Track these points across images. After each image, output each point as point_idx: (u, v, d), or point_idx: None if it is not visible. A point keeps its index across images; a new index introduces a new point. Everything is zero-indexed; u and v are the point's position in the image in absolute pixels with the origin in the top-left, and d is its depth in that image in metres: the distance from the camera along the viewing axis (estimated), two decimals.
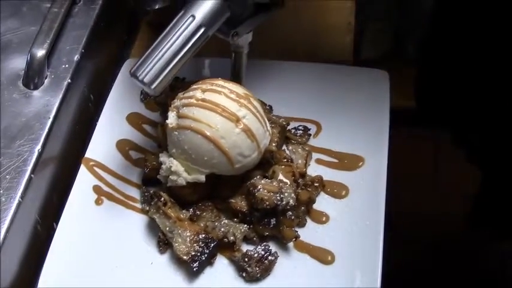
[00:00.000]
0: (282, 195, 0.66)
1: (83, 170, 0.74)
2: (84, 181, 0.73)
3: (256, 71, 0.79)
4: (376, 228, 0.67)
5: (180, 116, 0.65)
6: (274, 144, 0.70)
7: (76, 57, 0.77)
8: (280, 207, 0.66)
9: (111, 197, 0.73)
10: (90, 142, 0.76)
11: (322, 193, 0.72)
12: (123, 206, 0.72)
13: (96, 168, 0.75)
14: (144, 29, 0.90)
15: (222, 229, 0.67)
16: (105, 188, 0.73)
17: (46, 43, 0.73)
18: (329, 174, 0.73)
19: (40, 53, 0.73)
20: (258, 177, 0.68)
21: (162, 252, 0.68)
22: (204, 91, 0.65)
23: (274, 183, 0.67)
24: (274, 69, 0.81)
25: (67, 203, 0.71)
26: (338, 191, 0.72)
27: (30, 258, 0.68)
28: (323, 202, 0.71)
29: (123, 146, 0.76)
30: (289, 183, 0.68)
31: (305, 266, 0.67)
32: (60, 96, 0.74)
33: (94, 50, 0.80)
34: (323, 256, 0.67)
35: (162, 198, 0.67)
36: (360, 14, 0.91)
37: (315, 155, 0.75)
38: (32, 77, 0.73)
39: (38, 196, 0.69)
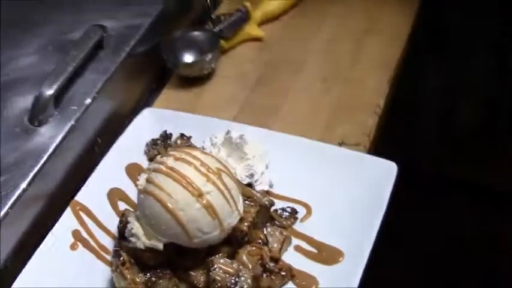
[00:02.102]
0: (237, 279, 0.64)
1: (67, 213, 0.75)
2: (65, 224, 0.74)
3: (263, 141, 0.77)
4: None
5: (147, 180, 0.64)
6: (246, 224, 0.67)
7: (87, 101, 0.78)
8: None
9: (86, 245, 0.73)
10: (84, 186, 0.77)
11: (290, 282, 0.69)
12: (94, 255, 0.73)
13: (81, 213, 0.75)
14: (174, 80, 0.91)
15: None
16: (84, 234, 0.74)
17: (56, 83, 0.75)
18: (304, 264, 0.70)
19: (47, 91, 0.75)
20: (220, 255, 0.66)
21: None
22: (176, 159, 0.65)
23: (234, 265, 0.65)
24: (280, 142, 0.79)
25: (42, 243, 0.72)
26: (307, 284, 0.68)
27: None
28: None
29: (114, 196, 0.77)
30: (250, 267, 0.65)
31: None
32: (61, 136, 0.75)
33: (109, 95, 0.82)
34: None
35: (122, 258, 0.67)
36: None
37: (296, 241, 0.72)
38: (37, 114, 0.75)
39: (12, 232, 0.71)
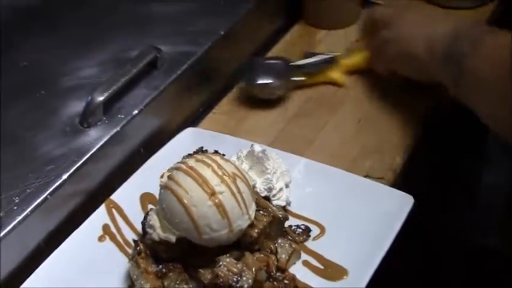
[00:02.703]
0: (239, 278, 0.67)
1: (101, 209, 0.81)
2: (98, 218, 0.81)
3: (288, 163, 0.82)
4: None
5: (169, 177, 0.70)
6: (256, 231, 0.72)
7: (134, 112, 0.86)
8: None
9: (113, 238, 0.79)
10: (121, 187, 0.83)
11: None
12: (118, 248, 0.78)
13: (113, 210, 0.82)
14: (220, 106, 0.98)
15: None
16: (113, 229, 0.80)
17: (106, 92, 0.83)
18: (309, 278, 0.73)
19: (98, 98, 0.83)
20: (228, 255, 0.70)
21: None
22: (197, 161, 0.70)
23: (238, 265, 0.69)
24: (303, 166, 0.83)
25: (75, 231, 0.79)
26: None
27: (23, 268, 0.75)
28: None
29: (145, 199, 0.83)
30: (253, 270, 0.69)
31: None
32: (105, 139, 0.83)
33: (156, 111, 0.89)
34: None
35: (139, 248, 0.72)
36: None
37: (305, 257, 0.75)
38: (87, 117, 0.83)
39: (48, 217, 0.78)
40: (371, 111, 0.94)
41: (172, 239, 0.70)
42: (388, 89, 0.97)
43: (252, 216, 0.71)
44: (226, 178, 0.69)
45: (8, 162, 0.79)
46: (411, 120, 0.91)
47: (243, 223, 0.70)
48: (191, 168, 0.69)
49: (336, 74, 0.99)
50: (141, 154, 0.89)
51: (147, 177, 0.85)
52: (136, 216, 0.81)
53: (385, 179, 0.83)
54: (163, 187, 0.70)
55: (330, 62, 0.99)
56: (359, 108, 0.95)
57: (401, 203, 0.77)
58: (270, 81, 0.96)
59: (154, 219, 0.71)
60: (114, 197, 0.83)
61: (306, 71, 0.98)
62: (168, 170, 0.72)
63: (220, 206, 0.67)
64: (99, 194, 0.83)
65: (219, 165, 0.69)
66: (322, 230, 0.77)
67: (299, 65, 0.99)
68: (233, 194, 0.68)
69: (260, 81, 0.96)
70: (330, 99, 0.97)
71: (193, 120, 0.96)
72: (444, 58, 0.82)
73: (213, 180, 0.68)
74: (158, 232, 0.70)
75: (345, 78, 0.99)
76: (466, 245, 1.40)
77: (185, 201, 0.67)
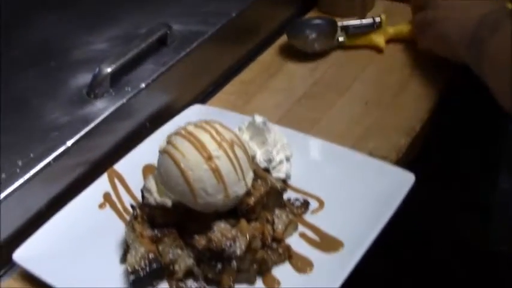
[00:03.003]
0: (232, 243, 0.67)
1: (103, 177, 0.82)
2: (99, 186, 0.81)
3: (292, 140, 0.82)
4: None
5: (167, 142, 0.71)
6: (253, 199, 0.72)
7: (141, 85, 0.87)
8: (227, 254, 0.67)
9: (113, 206, 0.80)
10: (124, 158, 0.84)
11: (287, 263, 0.71)
12: (117, 215, 0.79)
13: (115, 179, 0.83)
14: (230, 86, 0.98)
15: (171, 256, 0.70)
16: (113, 198, 0.81)
17: (114, 64, 0.85)
18: (304, 249, 0.72)
19: (106, 69, 0.84)
20: (223, 221, 0.70)
21: (121, 261, 0.73)
22: (195, 126, 0.71)
23: (232, 231, 0.69)
24: (306, 142, 0.83)
25: (76, 197, 0.80)
26: (302, 265, 0.71)
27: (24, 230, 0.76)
28: (284, 271, 0.71)
29: (148, 170, 0.83)
30: (247, 236, 0.69)
31: None
32: (111, 110, 0.84)
33: (164, 86, 0.90)
34: None
35: (135, 212, 0.73)
36: None
37: (302, 229, 0.75)
38: (94, 87, 0.84)
39: (51, 183, 0.79)
40: (379, 94, 0.94)
41: (168, 203, 0.70)
42: (398, 73, 0.97)
43: (249, 184, 0.71)
44: (224, 144, 0.69)
45: (13, 127, 0.81)
46: (419, 105, 0.91)
47: (239, 189, 0.70)
48: (189, 133, 0.70)
49: (378, 38, 1.00)
50: (148, 128, 0.89)
51: (151, 150, 0.84)
52: (137, 186, 0.81)
53: (388, 159, 0.82)
54: (162, 151, 0.71)
55: (375, 27, 1.00)
56: (367, 91, 0.95)
57: (401, 181, 0.76)
58: (313, 35, 1.00)
59: (151, 184, 0.71)
60: (117, 166, 0.84)
61: (350, 32, 1.01)
62: (168, 136, 0.72)
63: (216, 171, 0.68)
64: (103, 165, 0.84)
65: (217, 131, 0.70)
66: (321, 204, 0.77)
67: (344, 25, 1.01)
68: (230, 159, 0.68)
69: (304, 33, 1.00)
70: (337, 81, 0.97)
71: (202, 98, 0.97)
72: (470, 41, 0.84)
73: (211, 145, 0.68)
74: (155, 196, 0.71)
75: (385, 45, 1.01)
76: (479, 251, 1.38)
77: (181, 165, 0.68)
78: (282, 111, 0.92)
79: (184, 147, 0.69)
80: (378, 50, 1.01)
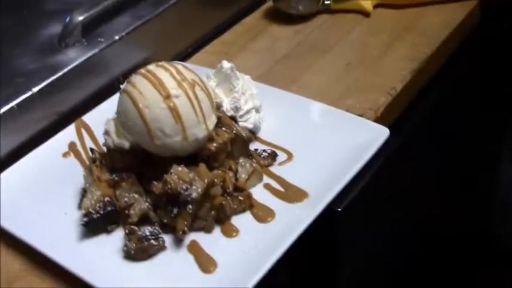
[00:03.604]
0: (188, 186, 0.65)
1: (70, 127, 0.80)
2: (65, 136, 0.79)
3: (263, 94, 0.79)
4: (263, 263, 0.61)
5: (127, 81, 0.68)
6: (215, 145, 0.69)
7: (115, 37, 0.85)
8: (182, 197, 0.64)
9: (77, 155, 0.78)
10: (94, 109, 0.82)
11: (248, 213, 0.68)
12: (81, 163, 0.77)
13: (82, 130, 0.80)
14: (210, 47, 0.96)
15: (126, 199, 0.67)
16: (79, 147, 0.79)
17: (86, 13, 0.82)
18: (267, 200, 0.69)
19: (77, 17, 0.82)
20: (182, 165, 0.67)
21: (78, 207, 0.70)
22: (156, 66, 0.68)
23: (190, 175, 0.66)
24: (278, 96, 0.81)
25: (41, 146, 0.78)
26: (263, 215, 0.68)
27: None
28: (244, 220, 0.68)
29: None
30: (205, 181, 0.66)
31: (186, 267, 0.64)
32: (81, 60, 0.82)
33: (140, 41, 0.88)
34: (206, 263, 0.64)
35: (94, 155, 0.70)
36: None
37: (267, 180, 0.72)
38: (65, 36, 0.82)
39: (13, 130, 0.76)
40: (362, 55, 0.91)
41: (126, 144, 0.68)
42: (383, 36, 0.94)
43: (210, 128, 0.68)
44: (184, 84, 0.66)
45: None
46: (403, 66, 0.87)
47: (199, 132, 0.67)
48: (149, 71, 0.67)
49: (365, 3, 0.97)
50: (121, 83, 0.86)
51: None
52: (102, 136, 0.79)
53: (365, 117, 0.79)
54: (122, 91, 0.68)
55: None
56: (350, 52, 0.92)
57: (374, 135, 0.73)
58: None
59: (110, 125, 0.69)
60: (86, 117, 0.81)
61: None
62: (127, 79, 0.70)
63: (174, 110, 0.65)
64: (72, 118, 0.81)
65: (178, 70, 0.67)
66: (290, 156, 0.74)
67: None
68: (189, 99, 0.66)
69: None
70: (320, 43, 0.94)
71: (181, 58, 0.94)
72: None
73: (170, 84, 0.66)
74: (113, 138, 0.68)
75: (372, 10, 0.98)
76: (491, 246, 1.34)
77: (138, 103, 0.65)
78: (261, 70, 0.90)
79: (143, 85, 0.66)
80: (365, 14, 0.98)
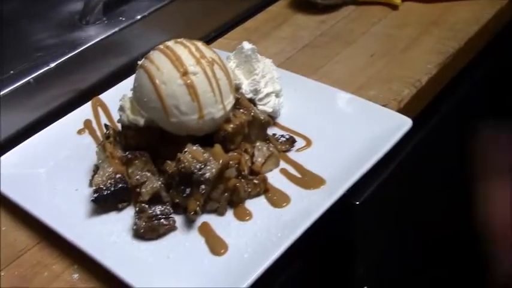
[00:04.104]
0: (202, 166, 0.63)
1: (87, 105, 0.79)
2: (81, 113, 0.78)
3: (287, 81, 0.77)
4: (276, 248, 0.59)
5: (145, 57, 0.67)
6: (231, 126, 0.67)
7: (136, 17, 0.83)
8: (196, 177, 0.63)
9: (92, 133, 0.77)
10: (112, 88, 0.81)
11: (263, 198, 0.67)
12: (95, 141, 0.75)
13: (99, 108, 0.79)
14: (234, 32, 0.94)
15: (138, 177, 0.65)
16: (94, 125, 0.77)
17: None
18: (283, 185, 0.67)
19: None
20: (197, 145, 0.65)
21: (90, 184, 0.69)
22: (175, 42, 0.67)
23: (205, 155, 0.64)
24: (300, 83, 0.79)
25: (56, 122, 0.76)
26: (278, 200, 0.66)
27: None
28: (258, 204, 0.66)
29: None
30: (220, 161, 0.64)
31: (196, 248, 0.62)
32: (101, 37, 0.81)
33: (161, 22, 0.87)
34: (217, 246, 0.62)
35: (108, 132, 0.69)
36: None
37: (284, 165, 0.70)
38: (86, 13, 0.82)
39: (29, 104, 0.75)
40: (387, 47, 0.89)
41: (141, 121, 0.66)
42: (410, 29, 0.92)
43: (228, 108, 0.66)
44: (202, 61, 0.65)
45: None
46: (429, 59, 0.85)
47: (216, 112, 0.65)
48: (167, 47, 0.66)
49: None
50: (139, 58, 0.85)
51: None
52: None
53: (387, 107, 0.76)
54: (138, 67, 0.67)
55: None
56: (374, 44, 0.90)
57: (397, 125, 0.71)
58: None
59: (125, 101, 0.68)
60: (103, 96, 0.80)
61: None
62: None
63: (191, 87, 0.63)
64: (89, 93, 0.80)
65: (197, 47, 0.66)
66: (308, 143, 0.72)
67: None
68: (207, 77, 0.64)
69: None
70: (345, 34, 0.92)
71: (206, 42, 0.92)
72: None
73: (188, 60, 0.64)
74: (128, 114, 0.67)
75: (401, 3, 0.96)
76: None
77: (155, 78, 0.64)
78: (283, 58, 0.88)
79: (160, 60, 0.65)
80: (393, 7, 0.96)
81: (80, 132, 0.77)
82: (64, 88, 0.79)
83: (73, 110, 0.79)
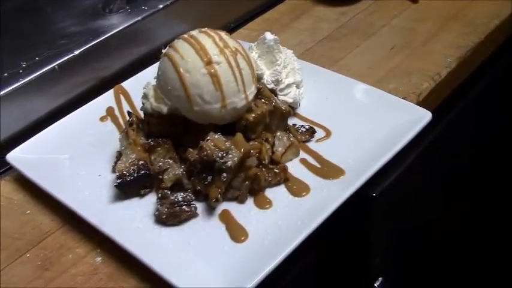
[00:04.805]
0: (224, 154, 0.64)
1: (109, 92, 0.80)
2: (104, 100, 0.79)
3: (310, 74, 0.78)
4: (296, 236, 0.60)
5: (169, 45, 0.68)
6: (253, 115, 0.68)
7: (159, 6, 0.84)
8: (218, 165, 0.64)
9: (114, 120, 0.78)
10: (133, 77, 0.82)
11: (282, 187, 0.68)
12: (117, 128, 0.76)
13: (121, 96, 0.80)
14: (253, 23, 0.95)
15: (161, 164, 0.66)
16: (116, 112, 0.79)
17: None
18: (303, 175, 0.68)
19: None
20: (219, 133, 0.66)
21: (112, 170, 0.70)
22: (200, 31, 0.68)
23: (226, 143, 0.65)
24: (321, 75, 0.79)
25: (79, 109, 0.78)
26: (298, 189, 0.67)
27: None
28: (277, 193, 0.67)
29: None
30: (242, 150, 0.65)
31: (216, 235, 0.63)
32: (124, 26, 0.82)
33: (183, 12, 0.88)
34: (237, 233, 0.63)
35: (131, 119, 0.70)
36: None
37: (304, 155, 0.71)
38: (109, 2, 0.82)
39: (53, 90, 0.77)
40: (407, 40, 0.89)
41: (164, 109, 0.67)
42: (430, 23, 0.92)
43: (250, 98, 0.67)
44: (226, 51, 0.65)
45: (22, 30, 0.80)
46: (449, 53, 0.86)
47: (238, 101, 0.66)
48: (192, 36, 0.67)
49: None
50: (162, 48, 0.86)
51: None
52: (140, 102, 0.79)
53: (406, 100, 0.77)
54: (162, 55, 0.68)
55: None
56: (394, 37, 0.90)
57: (416, 117, 0.72)
58: None
59: (149, 89, 0.69)
60: (125, 84, 0.81)
61: None
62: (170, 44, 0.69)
63: (215, 76, 0.64)
64: (111, 81, 0.81)
65: (221, 37, 0.66)
66: (328, 134, 0.73)
67: None
68: (231, 67, 0.65)
69: None
70: (365, 27, 0.93)
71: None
72: None
73: (212, 50, 0.65)
74: (151, 101, 0.68)
75: None
76: None
77: (179, 67, 0.65)
78: (302, 49, 0.89)
79: (185, 49, 0.66)
80: (413, 0, 0.96)
81: (102, 119, 0.78)
82: (87, 75, 0.80)
83: (95, 98, 0.80)
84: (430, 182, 0.84)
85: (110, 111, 0.79)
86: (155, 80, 0.69)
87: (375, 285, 0.79)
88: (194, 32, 0.67)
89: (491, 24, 0.90)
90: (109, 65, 0.82)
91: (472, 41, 0.87)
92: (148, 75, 0.81)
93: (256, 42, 0.75)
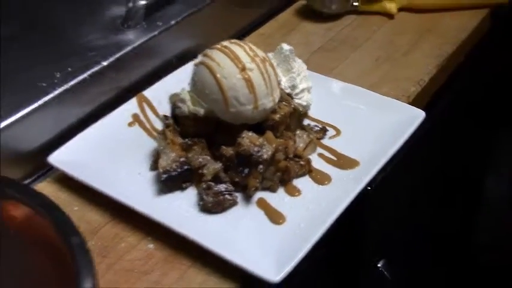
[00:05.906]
0: (259, 149, 0.73)
1: (132, 100, 0.87)
2: (128, 107, 0.86)
3: (319, 84, 0.88)
4: (328, 217, 0.69)
5: (203, 55, 0.76)
6: (278, 116, 0.77)
7: (172, 22, 0.93)
8: (254, 158, 0.72)
9: (142, 125, 0.85)
10: (153, 85, 0.89)
11: (307, 177, 0.77)
12: (146, 132, 0.84)
13: (144, 104, 0.88)
14: (254, 35, 1.04)
15: (201, 160, 0.74)
16: (142, 118, 0.86)
17: None
18: (323, 166, 0.78)
19: (140, 1, 0.90)
20: (251, 131, 0.75)
21: (151, 168, 0.77)
22: (230, 42, 0.76)
23: (260, 139, 0.74)
24: (324, 82, 0.89)
25: (107, 115, 0.85)
26: (321, 178, 0.76)
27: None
28: (304, 182, 0.76)
29: (175, 97, 0.88)
30: (274, 145, 0.74)
31: (257, 219, 0.71)
32: (142, 40, 0.89)
33: (193, 26, 0.96)
34: (275, 217, 0.71)
35: (167, 121, 0.78)
36: None
37: (320, 151, 0.80)
38: (128, 18, 0.90)
39: (85, 97, 0.83)
40: (389, 52, 1.00)
41: (201, 111, 0.75)
42: (408, 36, 1.04)
43: (276, 100, 0.76)
44: (256, 59, 0.74)
45: (52, 43, 0.86)
46: (429, 61, 0.97)
47: (268, 103, 0.75)
48: (225, 47, 0.75)
49: (391, 5, 1.07)
50: (173, 65, 0.94)
51: (179, 80, 0.90)
52: (163, 111, 0.86)
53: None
54: (197, 64, 0.76)
55: None
56: (378, 49, 1.01)
57: (411, 116, 0.82)
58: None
59: (185, 94, 0.77)
60: (146, 92, 0.89)
61: None
62: (203, 52, 0.78)
63: (249, 81, 0.73)
64: (129, 90, 0.89)
65: (250, 47, 0.75)
66: (338, 132, 0.83)
67: None
68: (261, 73, 0.74)
69: None
70: (350, 40, 1.03)
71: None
72: None
73: (245, 58, 0.74)
74: (188, 105, 0.76)
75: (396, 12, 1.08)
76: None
77: (216, 73, 0.73)
78: (300, 59, 0.98)
79: (220, 58, 0.74)
80: (390, 16, 1.08)
81: (130, 124, 0.85)
82: (111, 85, 0.87)
83: (116, 106, 0.86)
84: (421, 176, 0.95)
85: (135, 117, 0.86)
86: (189, 85, 0.77)
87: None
88: (226, 43, 0.76)
89: (461, 35, 1.02)
90: (128, 75, 0.89)
91: (445, 51, 1.00)
92: (167, 84, 0.89)
93: (274, 52, 0.84)
